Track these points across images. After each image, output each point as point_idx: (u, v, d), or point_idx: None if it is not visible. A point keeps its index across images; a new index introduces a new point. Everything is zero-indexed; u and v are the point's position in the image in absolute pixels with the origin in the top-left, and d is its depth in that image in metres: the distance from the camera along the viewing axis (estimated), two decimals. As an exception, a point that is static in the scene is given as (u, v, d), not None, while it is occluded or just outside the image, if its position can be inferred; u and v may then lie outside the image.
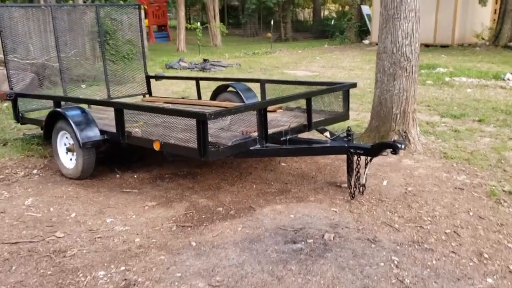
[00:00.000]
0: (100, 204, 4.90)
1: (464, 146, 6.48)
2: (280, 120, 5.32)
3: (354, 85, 5.72)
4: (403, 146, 4.28)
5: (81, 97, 7.58)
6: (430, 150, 6.34)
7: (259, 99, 7.06)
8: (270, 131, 4.88)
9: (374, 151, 4.46)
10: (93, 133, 5.41)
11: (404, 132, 6.41)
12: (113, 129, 5.27)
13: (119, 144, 5.29)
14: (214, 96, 7.57)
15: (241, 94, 7.03)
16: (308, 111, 5.24)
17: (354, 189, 4.68)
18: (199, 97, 7.68)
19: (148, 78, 8.30)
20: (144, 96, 8.25)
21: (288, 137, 5.07)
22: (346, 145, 4.63)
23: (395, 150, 4.32)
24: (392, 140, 4.32)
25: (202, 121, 4.25)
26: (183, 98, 7.85)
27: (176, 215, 4.53)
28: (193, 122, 4.36)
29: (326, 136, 5.01)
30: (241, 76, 14.95)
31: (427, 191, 4.93)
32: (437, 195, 4.82)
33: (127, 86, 8.25)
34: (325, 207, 4.58)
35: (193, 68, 16.99)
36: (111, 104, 5.50)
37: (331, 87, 5.52)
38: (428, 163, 5.86)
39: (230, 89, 7.36)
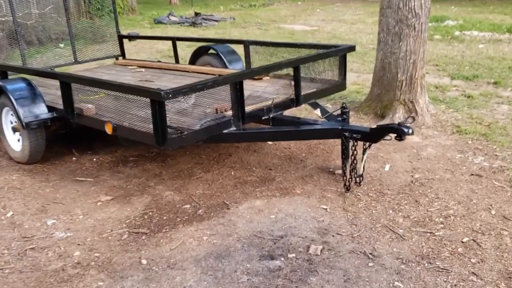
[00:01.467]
0: (45, 199, 4.09)
1: (479, 117, 5.58)
2: (265, 91, 4.41)
3: (352, 48, 4.78)
4: (410, 131, 3.40)
5: (32, 63, 6.64)
6: (441, 122, 5.45)
7: (244, 63, 6.13)
8: (248, 108, 3.99)
9: (374, 135, 3.59)
10: (39, 111, 4.53)
11: (411, 101, 5.51)
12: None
13: (69, 123, 4.42)
14: (193, 60, 6.61)
15: (223, 57, 6.09)
16: (296, 82, 4.32)
17: (350, 180, 3.84)
18: (177, 61, 6.73)
19: (120, 37, 7.31)
20: (116, 58, 7.29)
21: (271, 115, 4.18)
22: (339, 127, 3.76)
23: (400, 136, 3.45)
24: (397, 123, 3.42)
25: (157, 101, 3.37)
26: (159, 61, 6.91)
27: (131, 216, 3.72)
28: (147, 102, 3.48)
29: (317, 115, 4.13)
30: (234, 31, 13.86)
31: (437, 179, 4.09)
32: (450, 185, 3.98)
33: (97, 47, 7.28)
34: (314, 203, 3.75)
35: (184, 22, 15.85)
36: (53, 75, 4.58)
37: (324, 52, 4.58)
38: (438, 139, 4.99)
39: (211, 51, 6.41)
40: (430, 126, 5.36)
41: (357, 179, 3.91)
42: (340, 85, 4.86)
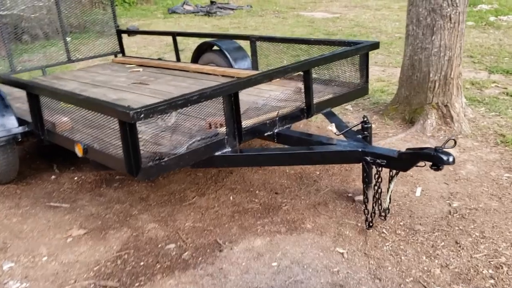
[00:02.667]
0: (9, 232, 3.45)
1: (527, 123, 4.74)
2: (271, 98, 3.66)
3: (375, 46, 4.00)
4: (451, 160, 2.62)
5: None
6: (481, 130, 4.62)
7: (251, 62, 5.38)
8: (247, 123, 3.26)
9: (404, 162, 2.82)
10: (8, 124, 3.88)
11: (445, 105, 4.69)
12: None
13: (41, 140, 3.76)
14: (196, 57, 5.90)
15: (227, 55, 5.36)
16: (307, 89, 3.57)
17: (373, 214, 3.09)
18: (178, 59, 6.02)
19: (119, 32, 6.63)
20: (115, 56, 6.61)
21: (276, 131, 3.44)
22: (360, 149, 2.99)
23: (437, 166, 2.68)
24: (434, 148, 2.64)
25: (127, 123, 2.67)
26: (159, 59, 6.22)
27: (103, 260, 3.04)
28: (115, 122, 2.79)
29: (331, 131, 3.38)
30: (250, 20, 13.07)
31: (482, 209, 3.30)
32: (498, 218, 3.19)
33: (93, 44, 6.61)
34: (328, 245, 3.01)
35: (198, 12, 15.11)
36: (11, 82, 3.91)
37: (341, 51, 3.80)
38: (479, 153, 4.18)
39: (215, 47, 5.68)
40: (468, 135, 4.53)
41: (382, 212, 3.15)
42: (361, 90, 4.08)
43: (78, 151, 3.22)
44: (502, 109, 5.13)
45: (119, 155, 2.84)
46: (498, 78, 6.43)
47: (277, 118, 3.43)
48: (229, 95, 3.08)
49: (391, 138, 4.60)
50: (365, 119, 3.28)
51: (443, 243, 2.95)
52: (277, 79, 4.36)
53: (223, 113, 3.10)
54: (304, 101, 3.61)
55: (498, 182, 3.66)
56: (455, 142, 2.69)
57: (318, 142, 3.24)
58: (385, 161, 2.87)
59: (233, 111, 3.12)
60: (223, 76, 4.99)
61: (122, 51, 6.66)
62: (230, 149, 3.16)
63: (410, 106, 4.91)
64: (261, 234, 3.17)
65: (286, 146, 3.52)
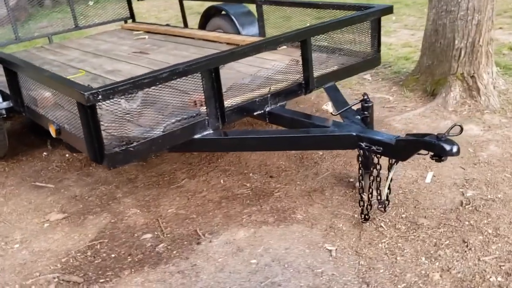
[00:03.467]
0: (-12, 214, 3.30)
1: None
2: (259, 72, 3.29)
3: (389, 10, 3.52)
4: (455, 150, 2.22)
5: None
6: (512, 104, 4.12)
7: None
8: (231, 102, 2.92)
9: (402, 150, 2.43)
10: (-9, 99, 3.68)
11: (471, 76, 4.19)
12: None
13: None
14: (203, 23, 5.55)
15: (235, 20, 4.98)
16: (304, 61, 3.17)
17: (369, 206, 2.73)
18: (185, 24, 5.67)
19: (129, -4, 6.31)
20: (125, 22, 6.32)
21: (267, 109, 3.09)
22: (355, 133, 2.61)
23: (439, 156, 2.28)
24: (436, 135, 2.24)
25: (85, 106, 2.38)
26: (167, 25, 5.87)
27: (73, 250, 2.84)
28: (73, 103, 2.51)
29: (327, 111, 2.99)
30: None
31: (500, 201, 2.89)
32: (518, 212, 2.78)
33: (101, 9, 6.34)
34: (316, 239, 2.69)
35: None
36: None
37: (346, 18, 3.36)
38: (506, 131, 3.70)
39: (223, 12, 5.30)
40: (496, 110, 4.04)
41: (380, 205, 2.79)
42: (372, 60, 3.65)
43: (52, 131, 2.98)
44: (541, 80, 4.57)
45: (82, 141, 2.57)
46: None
47: (269, 95, 3.08)
48: (209, 71, 2.73)
49: (408, 113, 4.16)
50: (365, 97, 2.88)
51: (447, 242, 2.58)
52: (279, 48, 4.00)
53: (202, 91, 2.77)
54: (302, 74, 3.22)
55: (524, 167, 3.21)
56: (462, 129, 2.27)
57: (312, 124, 2.87)
58: (381, 148, 2.49)
59: (214, 89, 2.78)
60: (227, 44, 4.63)
61: (132, 16, 6.35)
62: (212, 132, 2.85)
63: (433, 77, 4.42)
64: (246, 225, 2.88)
65: (279, 127, 3.17)
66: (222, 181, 3.40)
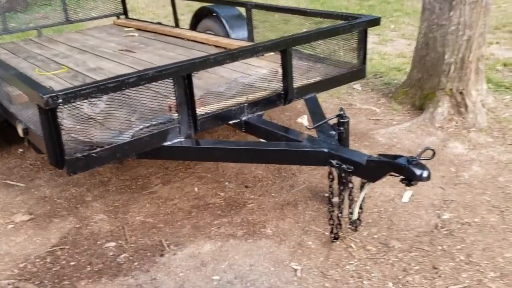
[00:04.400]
0: (-47, 212, 3.21)
1: (557, 117, 4.09)
2: (238, 79, 3.19)
3: (375, 22, 3.42)
4: (425, 175, 2.13)
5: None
6: (500, 123, 4.02)
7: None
8: (204, 110, 2.83)
9: (372, 172, 2.33)
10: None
11: (460, 92, 4.10)
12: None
13: None
14: (194, 23, 5.46)
15: (224, 23, 4.89)
16: (284, 71, 3.08)
17: (338, 226, 2.64)
18: (176, 24, 5.58)
19: (122, -9, 6.21)
20: (118, 17, 6.23)
21: (244, 118, 3.00)
22: (326, 150, 2.52)
23: (408, 180, 2.19)
24: (407, 158, 2.14)
25: (45, 109, 2.29)
26: (159, 23, 5.79)
27: (33, 255, 2.75)
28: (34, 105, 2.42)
29: (302, 124, 2.89)
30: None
31: (475, 226, 2.80)
32: (492, 239, 2.68)
33: (93, 4, 6.25)
34: (283, 257, 2.60)
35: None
36: None
37: (329, 29, 3.26)
38: (491, 151, 3.61)
39: (214, 14, 5.21)
40: (483, 128, 3.94)
41: (351, 224, 2.70)
42: (357, 72, 3.55)
43: (19, 130, 2.89)
44: (531, 98, 4.47)
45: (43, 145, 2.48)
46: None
47: (245, 104, 2.98)
48: (182, 77, 2.64)
49: (394, 127, 4.07)
50: (342, 112, 2.78)
51: (417, 267, 2.49)
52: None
53: (174, 98, 2.68)
54: (281, 84, 3.12)
55: (505, 191, 3.12)
56: (434, 153, 2.18)
57: (285, 137, 2.78)
58: (352, 168, 2.40)
59: (186, 95, 2.69)
60: (215, 46, 4.54)
61: (125, 12, 6.25)
62: (183, 139, 2.75)
63: (422, 91, 4.33)
64: (213, 238, 2.79)
65: (254, 139, 3.08)
66: (196, 188, 3.31)
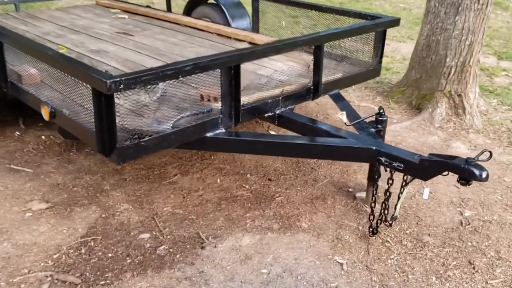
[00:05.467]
0: (-41, 198, 2.99)
1: (542, 122, 4.38)
2: (276, 72, 3.17)
3: (395, 22, 3.51)
4: (484, 176, 2.24)
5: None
6: (493, 126, 4.25)
7: (250, 20, 4.87)
8: (246, 100, 2.80)
9: (425, 170, 2.41)
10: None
11: (458, 95, 4.29)
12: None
13: (3, 94, 3.24)
14: (189, 10, 5.35)
15: (225, 11, 4.82)
16: (316, 66, 3.10)
17: (379, 222, 2.71)
18: (168, 9, 5.43)
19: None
20: (99, -3, 5.97)
21: (278, 112, 2.99)
22: (374, 147, 2.57)
23: (466, 180, 2.29)
24: (465, 159, 2.24)
25: (102, 95, 2.19)
26: (148, 6, 5.60)
27: (65, 245, 2.62)
28: (87, 90, 2.30)
29: (342, 120, 2.95)
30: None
31: (496, 223, 2.96)
32: (515, 235, 2.85)
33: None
34: (325, 251, 2.64)
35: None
36: None
37: (360, 26, 3.32)
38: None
39: (211, 0, 5.13)
40: (479, 130, 4.16)
41: (389, 220, 2.77)
42: (374, 71, 3.64)
43: (45, 114, 2.72)
44: (515, 103, 4.76)
45: (91, 129, 2.36)
46: (508, 65, 6.04)
47: (280, 98, 2.98)
48: (229, 68, 2.60)
49: (395, 125, 4.20)
50: (381, 110, 2.86)
51: (455, 262, 2.60)
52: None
53: (220, 88, 2.63)
54: (311, 79, 3.14)
55: (513, 190, 3.32)
56: (491, 154, 2.29)
57: (325, 132, 2.81)
58: (402, 166, 2.47)
59: (231, 86, 2.65)
60: (218, 35, 4.47)
61: (108, -9, 6.00)
62: (223, 131, 2.71)
63: (419, 91, 4.49)
64: (250, 230, 2.78)
65: (288, 132, 3.08)
66: (218, 180, 3.27)
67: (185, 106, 2.63)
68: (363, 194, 3.13)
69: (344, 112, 2.93)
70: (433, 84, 4.36)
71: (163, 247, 2.62)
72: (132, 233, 2.73)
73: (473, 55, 4.20)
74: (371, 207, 2.70)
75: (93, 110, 2.28)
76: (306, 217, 2.91)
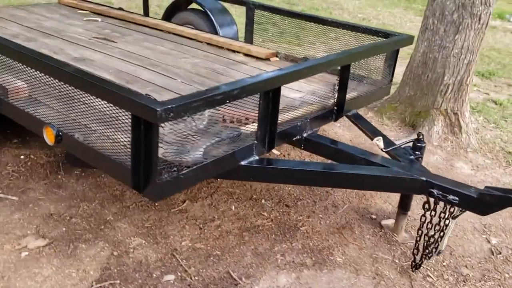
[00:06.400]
0: None
1: (528, 140, 4.44)
2: (307, 94, 2.92)
3: (410, 41, 3.38)
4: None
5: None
6: (487, 144, 4.25)
7: (237, 30, 4.62)
8: (282, 125, 2.54)
9: (485, 205, 2.27)
10: None
11: (455, 113, 4.26)
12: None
13: None
14: (168, 15, 5.00)
15: (212, 18, 4.52)
16: (342, 86, 2.90)
17: (424, 257, 2.55)
18: (146, 13, 5.04)
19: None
20: (63, -5, 5.44)
21: (305, 135, 2.76)
22: (424, 178, 2.40)
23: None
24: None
25: (144, 123, 1.86)
26: (120, 9, 5.17)
27: (79, 294, 2.24)
28: (125, 117, 1.96)
29: (378, 145, 2.76)
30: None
31: (524, 251, 2.90)
32: (545, 264, 2.80)
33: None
34: (369, 289, 2.44)
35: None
36: None
37: (382, 44, 3.16)
38: (493, 173, 3.79)
39: (193, 6, 4.82)
40: (476, 149, 4.14)
41: (431, 253, 2.61)
42: (385, 90, 3.50)
43: (48, 137, 2.33)
44: (497, 120, 4.82)
45: (123, 161, 2.02)
46: (476, 81, 6.17)
47: (308, 120, 2.75)
48: (267, 91, 2.33)
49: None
50: (420, 136, 2.70)
51: (501, 297, 2.50)
52: (279, 59, 3.78)
53: (257, 112, 2.36)
54: (335, 100, 2.94)
55: (527, 214, 3.29)
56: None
57: (362, 159, 2.61)
58: (457, 199, 2.31)
59: (269, 109, 2.38)
60: (208, 44, 4.17)
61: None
62: (256, 158, 2.44)
63: (413, 108, 4.43)
64: (283, 267, 2.53)
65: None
66: (233, 207, 2.99)
67: (215, 132, 2.34)
68: (388, 222, 2.97)
69: (381, 137, 2.75)
70: (428, 101, 4.30)
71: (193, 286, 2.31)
72: (154, 275, 2.39)
73: (470, 74, 4.18)
74: (416, 241, 2.53)
75: (131, 142, 1.94)
76: (339, 250, 2.70)
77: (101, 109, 2.12)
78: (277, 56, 3.93)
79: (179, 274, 2.41)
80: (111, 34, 4.27)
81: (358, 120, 3.11)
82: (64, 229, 2.65)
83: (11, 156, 3.27)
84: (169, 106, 1.81)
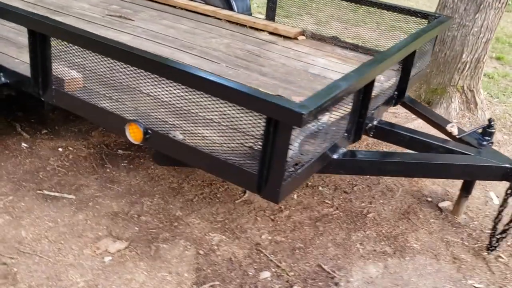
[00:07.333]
0: (2, 240, 2.30)
1: (532, 114, 4.67)
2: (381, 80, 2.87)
3: (451, 22, 3.39)
4: None
5: None
6: (499, 119, 4.43)
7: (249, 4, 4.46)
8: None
9: None
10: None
11: (471, 90, 4.38)
12: (24, 67, 2.52)
13: (38, 98, 2.54)
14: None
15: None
16: (405, 72, 2.88)
17: (500, 240, 2.64)
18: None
19: None
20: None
21: (375, 123, 2.74)
22: (507, 164, 2.46)
23: None
24: None
25: (278, 126, 1.76)
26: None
27: (185, 300, 2.15)
28: (256, 119, 1.84)
29: (451, 132, 2.78)
30: None
31: None
32: None
33: None
34: (455, 275, 2.50)
35: None
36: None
37: (435, 26, 3.15)
38: (514, 149, 3.97)
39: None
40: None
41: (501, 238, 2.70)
42: (426, 69, 3.52)
43: (133, 135, 2.16)
44: (498, 94, 5.01)
45: (246, 166, 1.91)
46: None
47: (378, 107, 2.73)
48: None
49: (418, 121, 4.16)
50: (491, 122, 2.76)
51: None
52: (306, 37, 3.74)
53: (351, 105, 2.30)
54: (396, 86, 2.93)
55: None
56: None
57: (441, 146, 2.63)
58: (544, 185, 2.40)
59: (361, 101, 2.34)
60: (228, 22, 4.01)
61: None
62: (345, 150, 2.41)
63: (429, 85, 4.50)
64: (368, 257, 2.54)
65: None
66: (295, 196, 2.94)
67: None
68: (445, 204, 3.04)
69: (455, 124, 2.77)
70: (445, 79, 4.39)
71: (295, 287, 2.28)
72: (249, 273, 2.33)
73: (487, 52, 4.29)
74: (495, 224, 2.61)
75: (262, 147, 1.84)
76: (411, 235, 2.74)
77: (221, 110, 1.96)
78: (303, 35, 3.85)
79: (273, 270, 2.36)
80: (122, 10, 4.01)
81: (414, 104, 3.12)
82: (136, 228, 2.52)
83: (49, 149, 3.03)
84: (312, 109, 1.72)
